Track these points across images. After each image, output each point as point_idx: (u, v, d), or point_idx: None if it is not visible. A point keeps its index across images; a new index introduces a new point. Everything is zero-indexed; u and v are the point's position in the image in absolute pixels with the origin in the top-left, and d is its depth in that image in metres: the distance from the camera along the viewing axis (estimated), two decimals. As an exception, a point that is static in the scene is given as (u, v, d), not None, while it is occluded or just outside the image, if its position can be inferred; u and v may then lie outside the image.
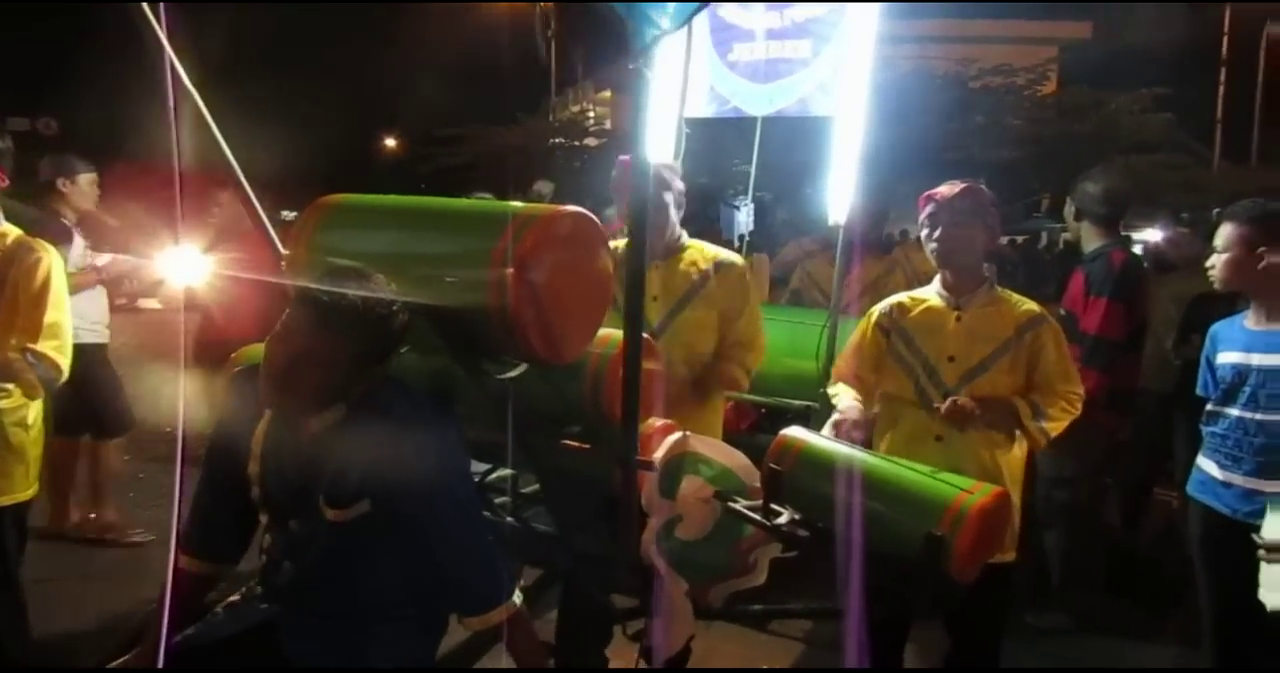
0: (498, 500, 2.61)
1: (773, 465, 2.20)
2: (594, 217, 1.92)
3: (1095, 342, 3.30)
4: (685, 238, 2.89)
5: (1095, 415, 3.32)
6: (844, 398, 2.58)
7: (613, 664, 2.84)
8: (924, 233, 2.52)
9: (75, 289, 4.13)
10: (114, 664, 1.84)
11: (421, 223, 1.95)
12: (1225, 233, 2.60)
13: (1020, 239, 14.24)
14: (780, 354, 3.74)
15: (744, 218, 4.36)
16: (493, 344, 1.86)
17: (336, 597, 1.77)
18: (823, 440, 2.26)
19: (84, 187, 4.01)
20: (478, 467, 2.78)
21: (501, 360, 2.03)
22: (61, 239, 3.83)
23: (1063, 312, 3.44)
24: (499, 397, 2.11)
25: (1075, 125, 13.42)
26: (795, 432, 2.27)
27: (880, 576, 2.08)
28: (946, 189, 2.50)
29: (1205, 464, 2.67)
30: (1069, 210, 3.48)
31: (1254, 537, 1.56)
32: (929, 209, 2.50)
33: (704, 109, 3.70)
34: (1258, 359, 2.49)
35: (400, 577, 1.77)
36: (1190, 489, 2.73)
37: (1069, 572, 3.56)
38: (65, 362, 2.63)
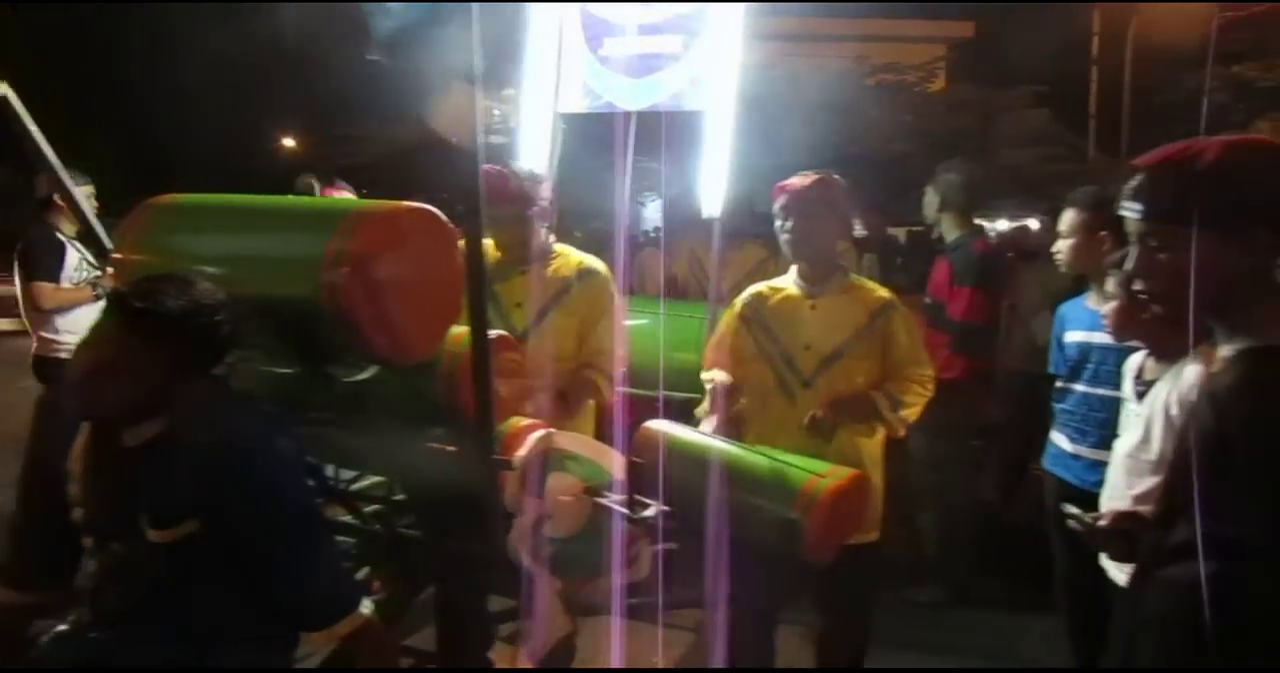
0: (369, 509, 2.55)
1: (634, 457, 2.21)
2: (436, 212, 1.88)
3: (963, 328, 3.42)
4: (553, 244, 2.87)
5: (963, 398, 3.45)
6: (718, 375, 2.61)
7: (498, 667, 2.80)
8: (777, 224, 2.56)
9: (72, 304, 3.95)
10: None
11: (254, 222, 1.89)
12: (1068, 219, 2.72)
13: (911, 231, 14.69)
14: (666, 348, 3.77)
15: (651, 214, 4.38)
16: (333, 346, 1.81)
17: (170, 622, 1.67)
18: (684, 431, 2.28)
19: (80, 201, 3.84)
20: (348, 474, 2.73)
21: (349, 363, 1.98)
22: (54, 254, 3.94)
23: (928, 300, 3.56)
24: (351, 400, 2.06)
25: (961, 121, 13.92)
26: (656, 424, 2.28)
27: (744, 561, 2.11)
28: (798, 181, 2.54)
29: (1057, 438, 2.79)
30: (929, 200, 3.58)
31: (1062, 506, 1.64)
32: (781, 201, 2.54)
33: (577, 104, 3.67)
34: (1099, 338, 2.61)
35: (237, 596, 1.68)
36: (1044, 462, 2.85)
37: (944, 548, 3.68)
38: None
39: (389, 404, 2.11)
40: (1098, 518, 1.59)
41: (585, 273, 2.84)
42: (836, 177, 2.56)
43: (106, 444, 1.64)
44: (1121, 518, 1.58)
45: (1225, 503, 1.22)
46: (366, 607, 1.76)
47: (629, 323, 4.08)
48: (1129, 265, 1.33)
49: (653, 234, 12.38)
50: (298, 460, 1.71)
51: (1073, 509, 1.58)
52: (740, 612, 2.35)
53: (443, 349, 2.01)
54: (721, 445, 2.23)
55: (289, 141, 19.45)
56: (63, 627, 1.79)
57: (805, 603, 2.75)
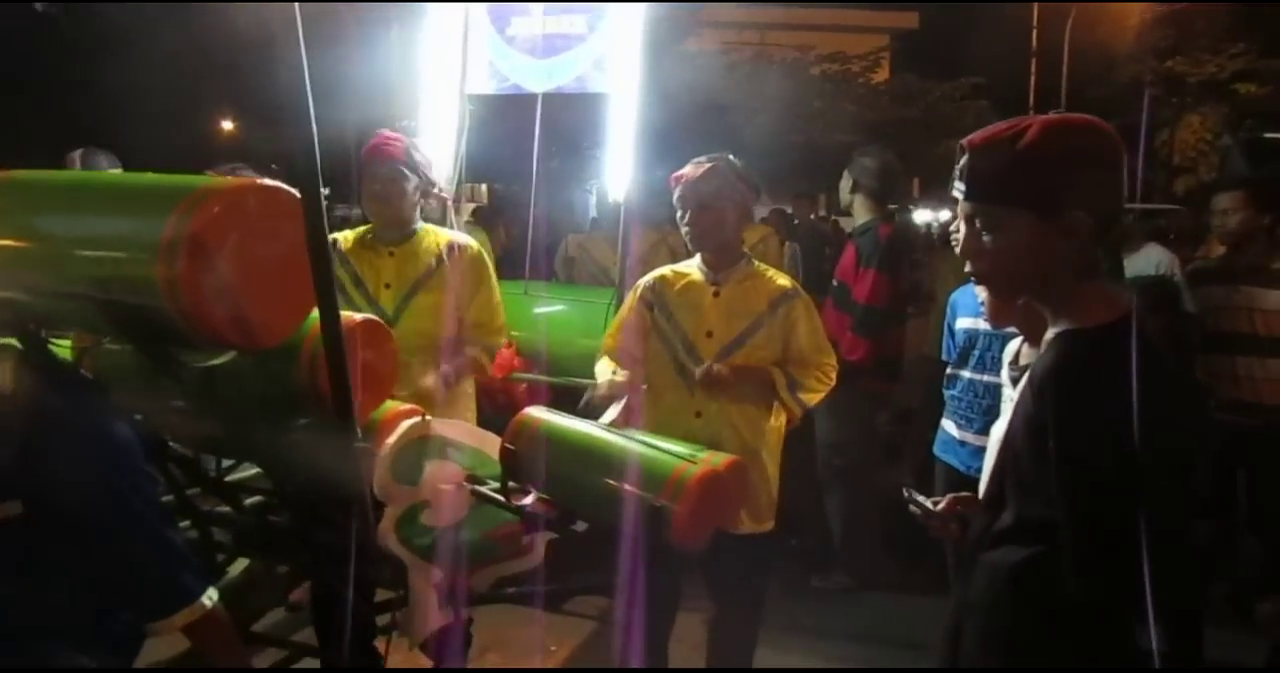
0: (249, 500, 2.48)
1: (508, 445, 2.17)
2: (289, 190, 1.81)
3: (865, 311, 3.44)
4: (419, 223, 2.82)
5: (865, 382, 3.47)
6: (602, 371, 2.57)
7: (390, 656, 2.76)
8: (677, 215, 2.52)
9: None
10: None
11: (90, 200, 1.79)
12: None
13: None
14: (573, 334, 3.74)
15: (593, 200, 4.34)
16: (173, 331, 1.73)
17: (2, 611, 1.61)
18: (558, 418, 2.24)
19: None
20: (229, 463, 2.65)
21: (199, 347, 1.90)
22: None
23: (836, 282, 3.57)
24: (205, 387, 1.99)
25: (904, 111, 14.08)
26: (533, 411, 2.24)
27: (626, 548, 2.09)
28: (691, 170, 2.48)
29: (946, 424, 2.82)
30: (844, 184, 3.59)
31: (904, 490, 1.63)
32: (678, 191, 2.49)
33: (485, 86, 3.62)
34: (985, 325, 2.63)
35: (68, 586, 1.61)
36: (935, 448, 2.88)
37: (850, 534, 3.71)
38: None
39: (249, 390, 2.04)
40: (936, 502, 1.58)
41: (453, 248, 2.78)
42: (731, 160, 2.51)
43: None
44: (956, 502, 1.58)
45: (1043, 487, 1.22)
46: (210, 598, 1.70)
47: (545, 310, 4.07)
48: (957, 246, 1.32)
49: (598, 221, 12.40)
50: (129, 446, 1.63)
51: (913, 494, 1.58)
52: (632, 599, 2.32)
53: (304, 333, 1.94)
54: (597, 432, 2.19)
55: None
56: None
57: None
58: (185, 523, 2.24)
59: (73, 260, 1.73)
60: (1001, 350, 2.49)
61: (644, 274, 2.69)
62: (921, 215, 16.50)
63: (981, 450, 2.61)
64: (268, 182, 1.80)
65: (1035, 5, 16.39)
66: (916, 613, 3.50)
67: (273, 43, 1.72)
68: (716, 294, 2.52)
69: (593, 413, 2.57)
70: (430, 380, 2.64)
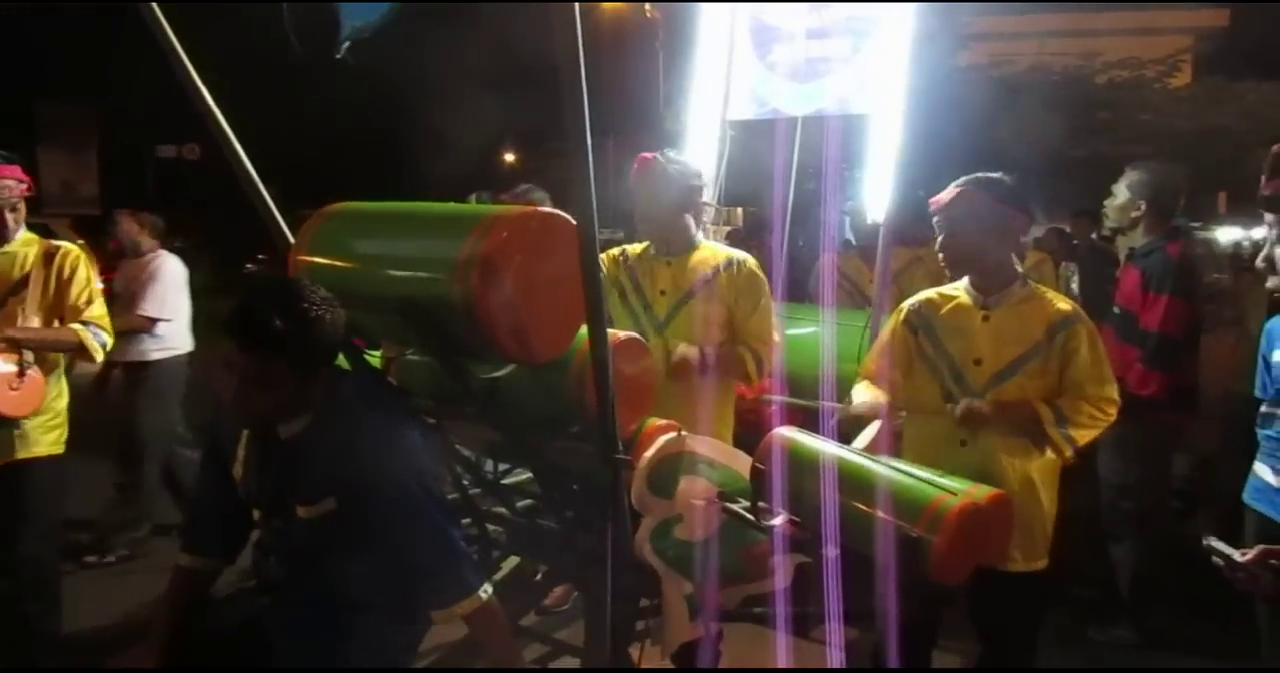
0: (521, 503, 2.68)
1: (759, 464, 2.18)
2: (566, 217, 1.97)
3: (1159, 340, 3.12)
4: (701, 240, 2.92)
5: (1161, 417, 3.14)
6: (859, 393, 2.52)
7: (643, 665, 2.85)
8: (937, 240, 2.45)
9: None
10: (120, 658, 1.99)
11: (401, 228, 2.05)
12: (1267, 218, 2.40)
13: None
14: (830, 359, 3.68)
15: (850, 222, 4.33)
16: (466, 343, 1.93)
17: (313, 589, 1.88)
18: (812, 440, 2.22)
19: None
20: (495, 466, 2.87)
21: (486, 360, 2.11)
22: None
23: (1117, 310, 3.26)
24: (487, 396, 2.19)
25: (1211, 118, 12.55)
26: (785, 431, 2.24)
27: (879, 578, 2.03)
28: (945, 195, 2.39)
29: (1260, 470, 2.46)
30: (1118, 201, 3.28)
31: (1206, 539, 1.45)
32: (935, 218, 2.42)
33: (745, 111, 3.69)
34: (1312, 357, 2.29)
35: (369, 570, 1.85)
36: (1245, 495, 2.53)
37: (1140, 586, 3.34)
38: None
39: (525, 400, 2.22)
40: (1244, 553, 1.40)
41: (731, 264, 2.85)
42: (991, 182, 2.37)
43: (265, 437, 1.86)
44: (1267, 553, 1.39)
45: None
46: (486, 591, 1.87)
47: (798, 332, 4.05)
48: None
49: (853, 243, 12.11)
50: (423, 450, 1.84)
51: (1216, 543, 1.41)
52: (887, 630, 2.25)
53: (574, 348, 2.08)
54: (850, 455, 2.15)
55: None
56: (233, 591, 2.05)
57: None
58: (466, 520, 2.47)
59: (385, 279, 1.99)
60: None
61: (899, 295, 2.62)
62: (1229, 233, 14.56)
63: (1306, 501, 2.27)
64: (547, 210, 1.96)
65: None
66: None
67: (555, 80, 1.86)
68: (986, 319, 2.40)
69: (841, 433, 2.54)
70: (687, 349, 2.72)
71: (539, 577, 2.67)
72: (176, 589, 1.99)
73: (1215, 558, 1.41)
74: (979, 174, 2.41)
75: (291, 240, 2.24)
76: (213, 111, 2.23)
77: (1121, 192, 3.28)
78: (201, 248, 13.36)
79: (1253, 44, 13.24)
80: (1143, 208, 3.22)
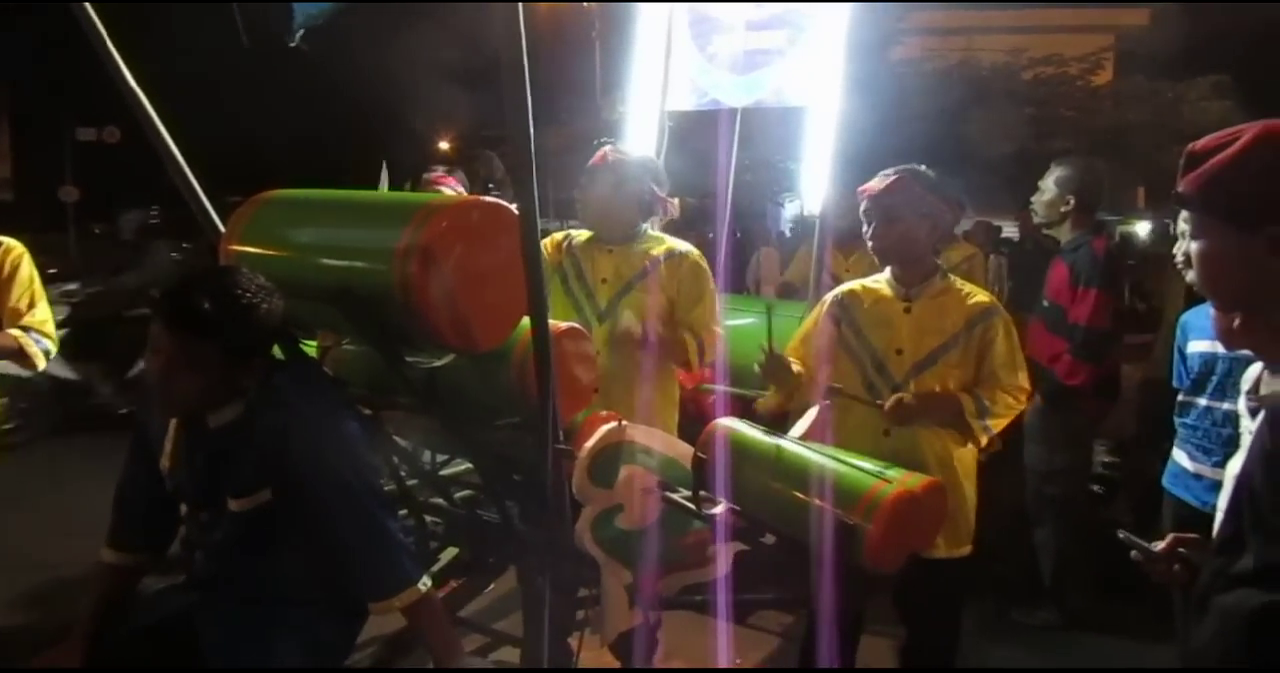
0: (459, 494, 2.65)
1: (700, 454, 2.19)
2: (508, 207, 1.94)
3: (1087, 333, 3.22)
4: (646, 229, 2.91)
5: (1087, 407, 3.25)
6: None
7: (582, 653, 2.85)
8: (863, 229, 2.47)
9: None
10: (40, 658, 1.90)
11: (337, 215, 2.00)
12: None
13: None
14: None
15: (786, 214, 4.35)
16: (404, 333, 1.90)
17: (246, 583, 1.83)
18: (751, 430, 2.24)
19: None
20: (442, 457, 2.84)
21: (426, 350, 2.07)
22: None
23: (1046, 303, 3.36)
24: (426, 386, 2.16)
25: (1131, 115, 13.00)
26: (725, 421, 2.26)
27: (813, 565, 2.06)
28: (877, 182, 2.42)
29: (1178, 455, 2.58)
30: (1045, 197, 3.37)
31: (1117, 531, 1.52)
32: (863, 205, 2.44)
33: (685, 102, 3.70)
34: (1224, 348, 2.39)
35: (304, 563, 1.81)
36: (1164, 481, 2.64)
37: (1061, 569, 3.46)
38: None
39: (465, 391, 2.19)
40: (1155, 545, 1.46)
41: (674, 254, 2.84)
42: (923, 172, 2.43)
43: (193, 427, 1.80)
44: (1177, 542, 1.45)
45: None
46: (425, 583, 1.85)
47: (735, 323, 4.09)
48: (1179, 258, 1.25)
49: (788, 234, 12.27)
50: (359, 441, 1.81)
51: (1131, 538, 1.47)
52: (816, 616, 2.30)
53: (515, 338, 2.07)
54: (789, 445, 2.18)
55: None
56: (161, 585, 1.99)
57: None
58: (404, 512, 2.44)
59: (321, 268, 1.94)
60: (1242, 376, 2.25)
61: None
62: (1147, 226, 15.14)
63: (1219, 485, 2.38)
64: (489, 199, 1.94)
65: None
66: (1128, 656, 3.23)
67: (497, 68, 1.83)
68: (908, 310, 2.45)
69: (761, 417, 2.57)
70: (631, 320, 2.72)
71: (477, 568, 2.65)
72: (100, 587, 1.92)
73: (1133, 552, 1.47)
74: (910, 165, 2.45)
75: (221, 229, 2.17)
76: (135, 92, 2.14)
77: (1049, 187, 3.35)
78: (118, 234, 12.87)
79: (1170, 44, 13.70)
80: (1071, 202, 3.31)
